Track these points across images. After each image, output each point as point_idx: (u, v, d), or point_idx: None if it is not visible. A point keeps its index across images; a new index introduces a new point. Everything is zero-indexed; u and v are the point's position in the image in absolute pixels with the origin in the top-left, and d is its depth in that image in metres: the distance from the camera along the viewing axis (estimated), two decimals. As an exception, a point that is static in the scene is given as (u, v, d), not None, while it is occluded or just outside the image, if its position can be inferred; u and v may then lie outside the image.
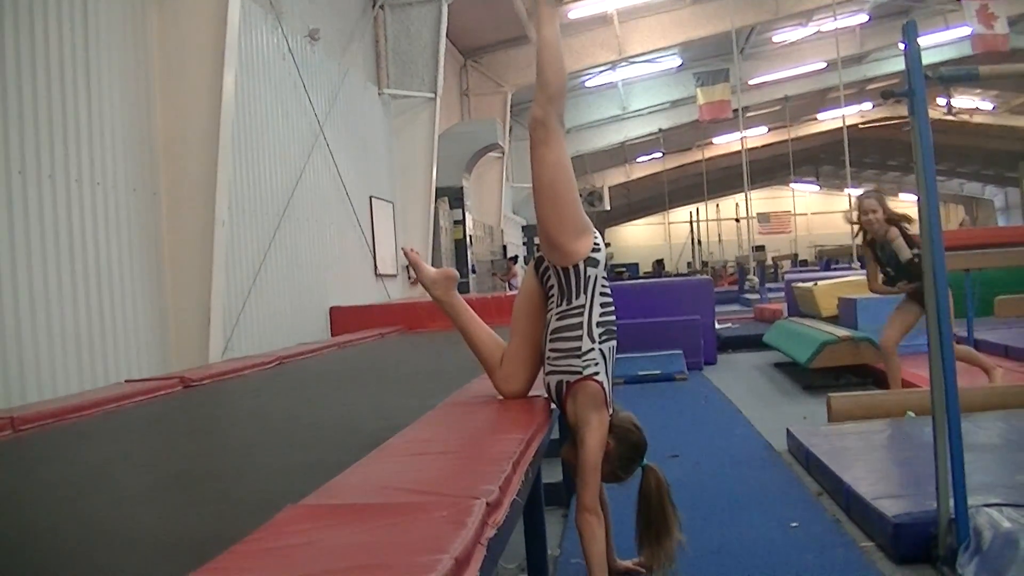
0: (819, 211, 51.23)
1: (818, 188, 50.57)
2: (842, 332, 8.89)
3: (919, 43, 3.60)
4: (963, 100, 33.57)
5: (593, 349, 3.30)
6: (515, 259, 21.87)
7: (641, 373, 9.69)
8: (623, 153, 33.98)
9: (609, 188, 32.65)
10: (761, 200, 44.93)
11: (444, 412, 3.46)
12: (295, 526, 1.91)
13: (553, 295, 3.41)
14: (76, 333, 6.35)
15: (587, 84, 26.63)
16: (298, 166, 10.67)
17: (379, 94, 14.42)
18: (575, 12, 20.60)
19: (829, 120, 35.72)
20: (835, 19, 20.33)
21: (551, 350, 3.37)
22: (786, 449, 6.00)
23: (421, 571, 1.57)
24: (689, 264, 43.31)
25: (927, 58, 3.61)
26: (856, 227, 7.01)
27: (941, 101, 29.24)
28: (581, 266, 3.36)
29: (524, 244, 27.46)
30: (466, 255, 17.12)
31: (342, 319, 10.90)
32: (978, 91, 33.29)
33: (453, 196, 17.03)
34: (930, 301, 3.58)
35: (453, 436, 2.96)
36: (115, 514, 2.47)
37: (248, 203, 9.20)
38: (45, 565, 2.04)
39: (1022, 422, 5.42)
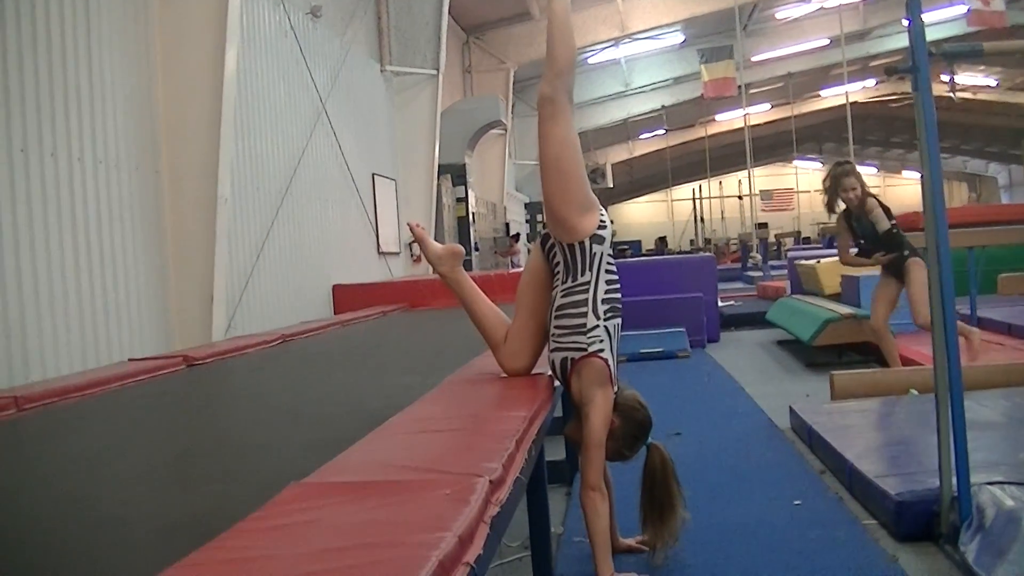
0: (822, 188, 51.05)
1: (821, 165, 50.32)
2: (845, 310, 8.89)
3: (923, 19, 3.57)
4: (966, 77, 33.42)
5: (598, 326, 3.30)
6: (517, 237, 21.85)
7: (644, 351, 9.70)
8: (626, 130, 33.89)
9: (612, 165, 32.67)
10: (764, 177, 44.82)
11: (447, 390, 3.46)
12: (298, 504, 1.91)
13: (559, 272, 3.41)
14: (79, 312, 6.35)
15: (590, 61, 26.52)
16: (300, 144, 10.65)
17: (381, 71, 14.37)
18: (578, -12, 20.54)
19: (832, 97, 35.59)
20: (839, -5, 20.25)
21: (556, 327, 3.37)
22: (789, 427, 6.01)
23: (424, 549, 1.57)
24: (692, 241, 43.24)
25: (931, 35, 3.60)
26: (826, 197, 6.96)
27: (945, 78, 29.11)
28: (587, 243, 3.35)
29: (527, 221, 27.42)
30: (469, 232, 17.09)
31: (345, 297, 10.90)
32: (982, 68, 33.13)
33: (456, 173, 16.98)
34: (934, 279, 3.57)
35: (456, 414, 2.96)
36: (118, 493, 2.48)
37: (250, 181, 9.18)
38: (48, 544, 2.04)
39: (1025, 399, 5.41)
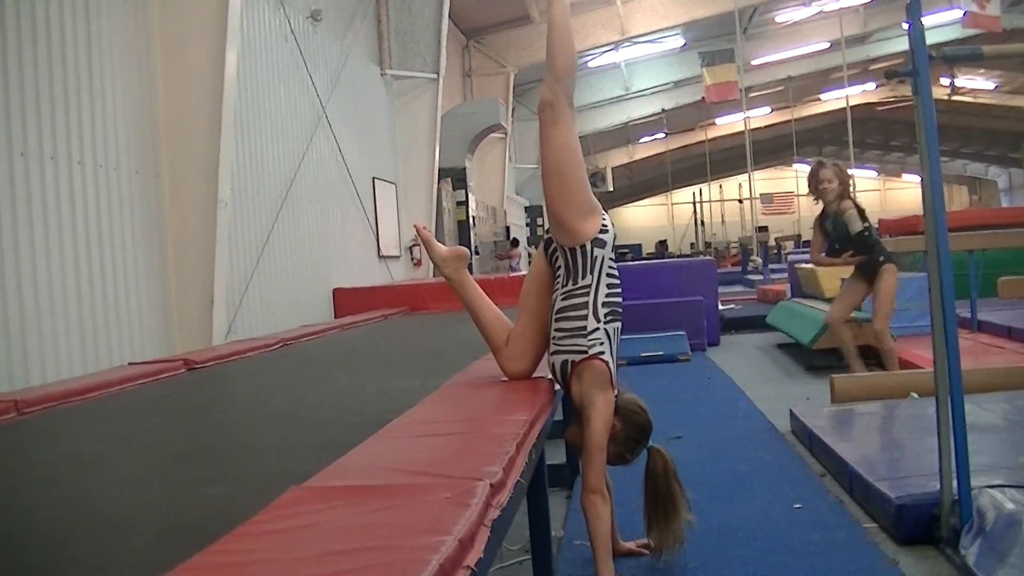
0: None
1: (821, 168, 50.41)
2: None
3: (923, 23, 3.57)
4: (966, 80, 33.46)
5: (598, 329, 3.30)
6: (516, 241, 21.86)
7: (644, 354, 9.69)
8: (626, 134, 33.93)
9: (612, 169, 32.70)
10: (764, 181, 44.89)
11: (447, 393, 3.46)
12: (298, 507, 1.91)
13: (560, 275, 3.42)
14: (79, 316, 6.36)
15: (590, 64, 26.55)
16: (301, 147, 10.66)
17: (381, 75, 14.39)
18: (578, -8, 20.57)
19: (832, 100, 35.62)
20: (839, -2, 20.26)
21: (556, 329, 3.37)
22: (789, 430, 6.00)
23: (425, 552, 1.57)
24: (692, 245, 43.26)
25: (931, 38, 3.60)
26: (814, 197, 7.03)
27: (945, 81, 29.15)
28: (588, 246, 3.35)
29: (527, 225, 27.43)
30: (469, 236, 17.10)
31: (345, 301, 10.90)
32: (982, 71, 33.16)
33: (456, 177, 16.99)
34: (934, 282, 3.57)
35: (457, 417, 2.96)
36: (118, 496, 2.48)
37: (251, 185, 9.19)
38: (49, 547, 2.04)
39: (1025, 403, 5.41)
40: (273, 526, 1.81)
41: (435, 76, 14.91)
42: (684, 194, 46.15)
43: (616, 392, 3.39)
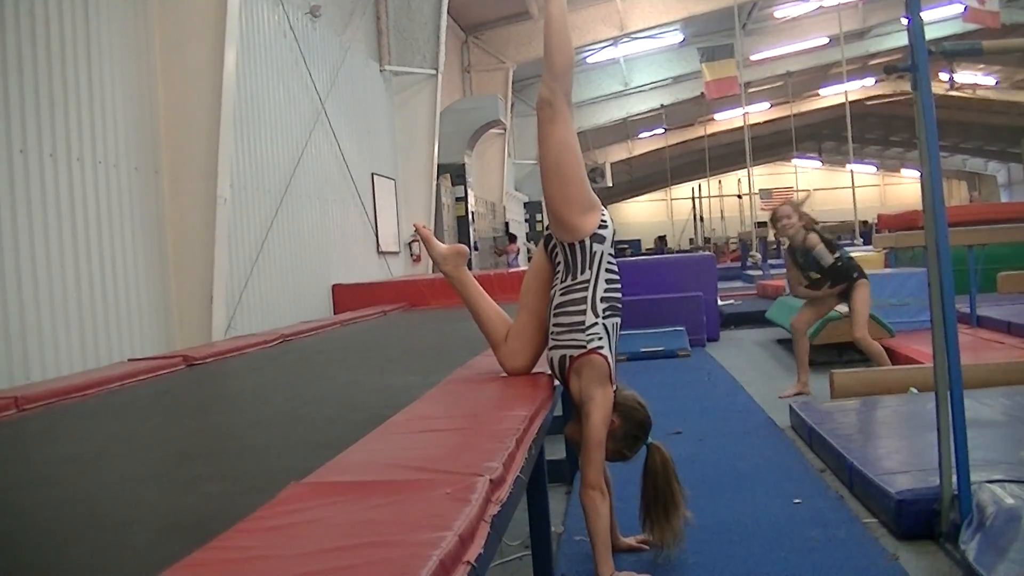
0: (821, 187, 51.08)
1: (820, 164, 50.44)
2: (844, 309, 8.87)
3: (922, 18, 3.57)
4: (966, 75, 33.43)
5: (596, 323, 3.31)
6: (513, 237, 21.85)
7: (644, 350, 9.70)
8: (625, 129, 33.88)
9: (611, 164, 32.65)
10: (763, 176, 44.79)
11: (447, 389, 3.46)
12: (299, 504, 1.91)
13: (559, 271, 3.42)
14: (79, 312, 6.35)
15: (589, 60, 26.51)
16: (300, 143, 10.65)
17: (380, 71, 14.38)
18: (577, -13, 20.56)
19: (831, 96, 35.59)
20: (837, -7, 20.23)
21: (555, 324, 3.38)
22: (789, 425, 6.02)
23: (425, 548, 1.57)
24: (691, 240, 43.21)
25: (930, 33, 3.60)
26: (778, 236, 7.21)
27: (944, 76, 29.14)
28: (587, 242, 3.36)
29: (526, 221, 27.41)
30: (468, 232, 17.10)
31: (345, 297, 10.90)
32: (981, 66, 33.14)
33: (455, 173, 16.99)
34: (934, 278, 3.57)
35: (456, 413, 2.96)
36: (118, 493, 2.48)
37: (250, 181, 9.18)
38: (49, 544, 2.04)
39: (1025, 398, 5.41)
40: (273, 522, 1.81)
41: (434, 72, 14.90)
42: (683, 190, 46.08)
43: (615, 388, 3.40)
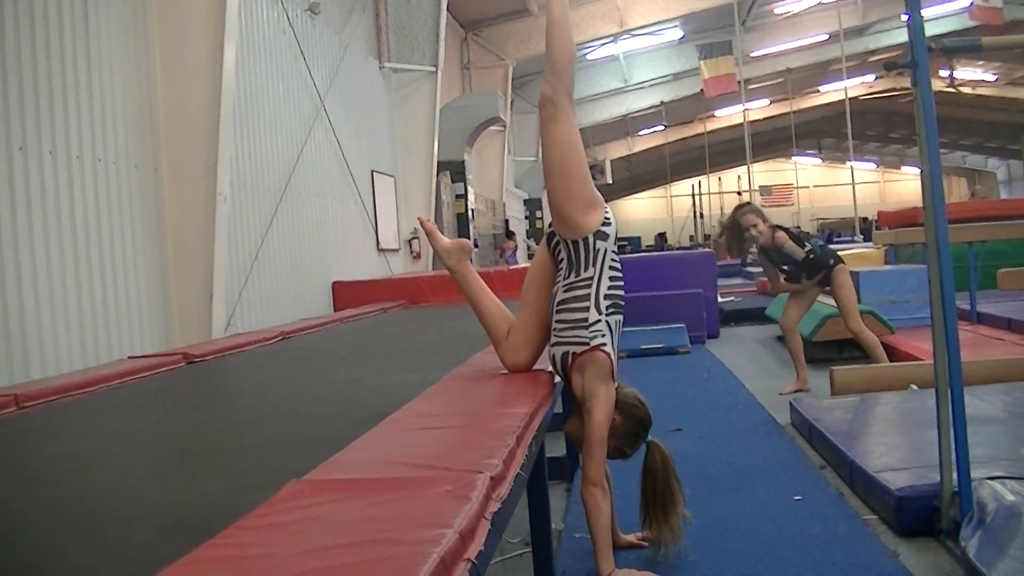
0: (821, 184, 51.16)
1: (820, 160, 50.45)
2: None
3: (922, 14, 3.57)
4: (966, 72, 33.42)
5: (600, 320, 3.30)
6: (512, 234, 21.85)
7: (644, 346, 9.70)
8: (625, 126, 33.90)
9: (611, 161, 32.64)
10: (763, 173, 44.87)
11: (447, 386, 3.46)
12: (299, 501, 1.91)
13: (562, 268, 3.42)
14: (79, 310, 6.35)
15: (589, 57, 26.52)
16: (299, 141, 10.65)
17: (380, 68, 14.37)
18: (577, -16, 20.54)
19: (831, 92, 35.61)
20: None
21: (557, 321, 3.37)
22: (789, 422, 6.01)
23: (426, 545, 1.57)
24: (691, 237, 43.24)
25: (930, 30, 3.59)
26: (729, 243, 7.25)
27: (944, 73, 29.14)
28: (590, 239, 3.36)
29: (526, 217, 27.41)
30: (468, 229, 17.10)
31: (344, 294, 10.90)
32: (981, 63, 33.14)
33: (455, 170, 16.99)
34: (934, 274, 3.56)
35: (456, 410, 2.96)
36: (119, 490, 2.48)
37: (249, 178, 9.18)
38: (49, 542, 2.04)
39: (1025, 394, 5.41)
40: (274, 519, 1.80)
41: (434, 69, 14.89)
42: (683, 186, 46.13)
43: (616, 385, 3.40)
